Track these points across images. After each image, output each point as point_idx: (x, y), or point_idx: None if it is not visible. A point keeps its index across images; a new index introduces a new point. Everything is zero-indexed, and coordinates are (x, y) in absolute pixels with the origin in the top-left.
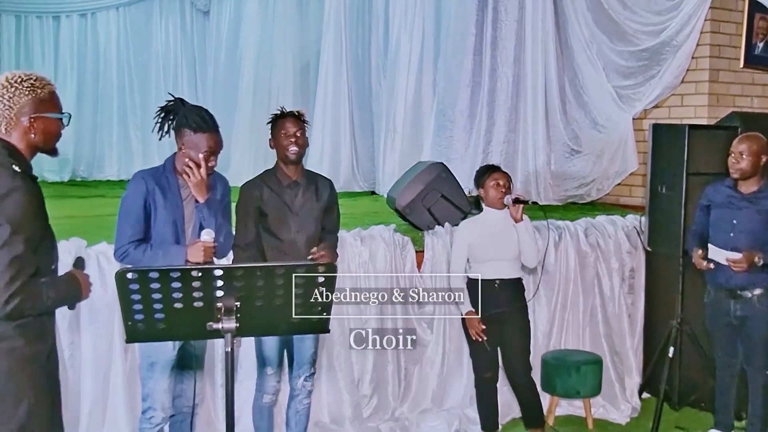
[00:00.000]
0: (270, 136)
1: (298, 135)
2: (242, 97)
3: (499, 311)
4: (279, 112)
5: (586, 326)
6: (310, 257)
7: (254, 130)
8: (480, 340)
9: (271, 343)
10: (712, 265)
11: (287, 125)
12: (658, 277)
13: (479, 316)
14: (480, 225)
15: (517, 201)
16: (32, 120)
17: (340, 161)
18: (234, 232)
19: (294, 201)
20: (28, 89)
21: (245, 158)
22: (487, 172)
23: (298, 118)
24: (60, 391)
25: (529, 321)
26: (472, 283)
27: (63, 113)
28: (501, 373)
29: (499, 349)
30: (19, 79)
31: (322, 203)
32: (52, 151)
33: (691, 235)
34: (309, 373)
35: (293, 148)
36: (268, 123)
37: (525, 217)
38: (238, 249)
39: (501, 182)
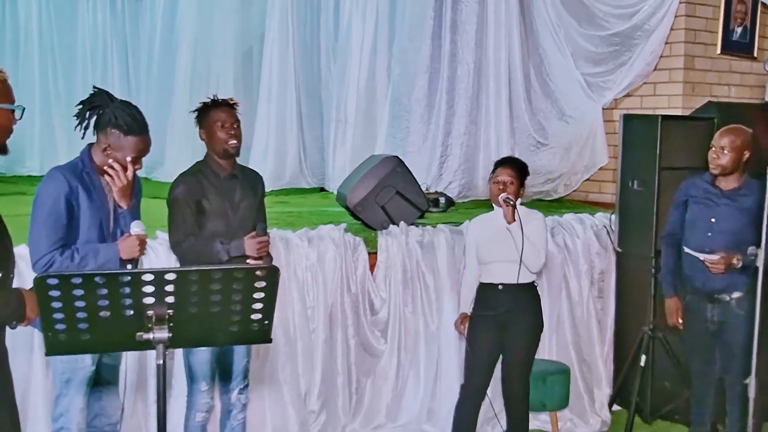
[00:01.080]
0: (199, 128)
1: (236, 126)
2: (179, 86)
3: (500, 316)
4: (210, 101)
5: (552, 333)
6: (257, 248)
7: (192, 121)
8: (462, 333)
9: (203, 355)
10: (680, 322)
11: (223, 116)
12: (629, 279)
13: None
14: (487, 224)
15: (506, 201)
16: None
17: (286, 154)
18: (169, 230)
19: (234, 195)
20: None
21: (183, 152)
22: (496, 166)
23: (233, 108)
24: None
25: (537, 331)
26: (482, 286)
27: (15, 105)
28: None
29: (502, 357)
30: None
31: (257, 198)
32: (2, 149)
33: (664, 243)
34: (243, 385)
35: (233, 142)
36: (193, 112)
37: (535, 217)
38: (178, 246)
39: (501, 178)
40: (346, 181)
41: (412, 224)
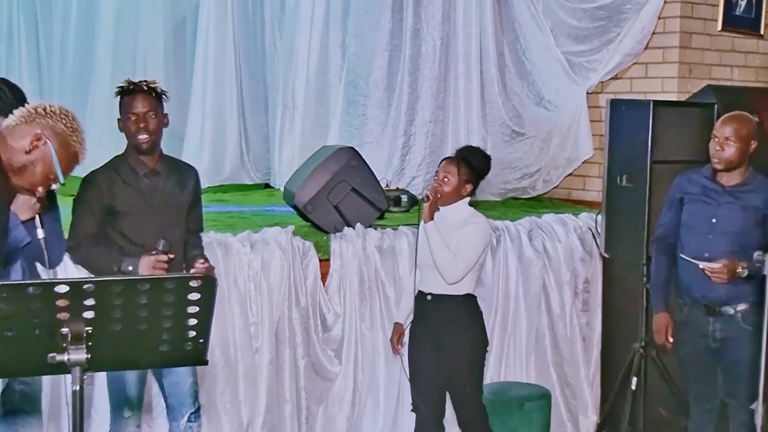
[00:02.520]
0: (119, 116)
1: (150, 118)
2: (99, 64)
3: (432, 331)
4: (124, 86)
5: (530, 353)
6: (193, 270)
7: (115, 105)
8: (397, 354)
9: (128, 378)
10: (669, 341)
11: (135, 104)
12: (617, 290)
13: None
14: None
15: (425, 197)
16: None
17: (224, 146)
18: (67, 233)
19: (154, 195)
20: None
21: (104, 141)
22: (442, 160)
23: (150, 94)
24: None
25: (478, 349)
26: (417, 295)
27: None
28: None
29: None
30: None
31: (187, 197)
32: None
33: (655, 247)
34: (193, 410)
35: (142, 136)
36: (117, 95)
37: (473, 221)
38: (72, 252)
39: (438, 174)
40: (294, 176)
41: (369, 226)
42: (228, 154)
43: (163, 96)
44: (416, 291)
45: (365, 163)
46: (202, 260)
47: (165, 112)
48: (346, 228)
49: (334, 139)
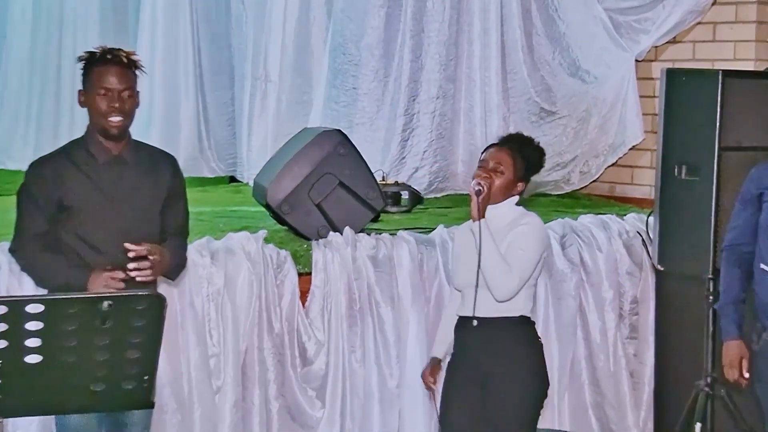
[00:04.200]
0: (81, 87)
1: (125, 97)
2: (14, 27)
3: (478, 366)
4: (97, 53)
5: (563, 391)
6: (131, 265)
7: (37, 79)
8: (430, 390)
9: (71, 421)
10: (745, 377)
11: (109, 78)
12: (675, 312)
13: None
14: (464, 230)
15: (475, 190)
16: None
17: (178, 129)
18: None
19: (117, 188)
20: None
21: (20, 125)
22: (488, 146)
23: (129, 68)
24: None
25: (533, 394)
26: (458, 322)
27: None
28: None
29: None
30: None
31: (161, 191)
32: None
33: (725, 258)
34: None
35: (116, 118)
36: (80, 62)
37: (526, 222)
38: (16, 256)
39: (486, 162)
40: (266, 167)
41: (362, 231)
42: (182, 140)
43: (140, 71)
44: (454, 319)
45: (356, 150)
46: (133, 247)
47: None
48: (331, 233)
49: (317, 120)
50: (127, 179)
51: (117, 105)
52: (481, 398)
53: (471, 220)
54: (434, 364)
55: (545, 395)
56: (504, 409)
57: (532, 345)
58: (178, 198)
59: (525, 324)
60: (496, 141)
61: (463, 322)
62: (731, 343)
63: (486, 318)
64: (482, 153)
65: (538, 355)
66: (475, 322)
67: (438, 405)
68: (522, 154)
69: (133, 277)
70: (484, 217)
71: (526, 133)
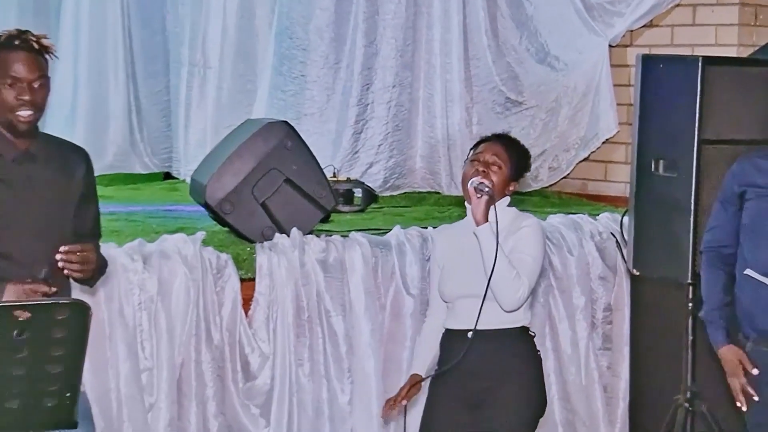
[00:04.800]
0: None
1: (36, 87)
2: None
3: (470, 384)
4: (1, 37)
5: None
6: (58, 259)
7: None
8: (390, 408)
9: None
10: (755, 398)
11: (16, 66)
12: (652, 320)
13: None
14: (454, 238)
15: (477, 189)
16: None
17: (107, 121)
18: None
19: (26, 187)
20: None
21: None
22: (480, 141)
23: (40, 54)
24: None
25: (533, 410)
26: (446, 336)
27: None
28: None
29: None
30: None
31: (74, 190)
32: None
33: (705, 260)
34: None
35: (26, 112)
36: None
37: (526, 224)
38: None
39: (484, 157)
40: (205, 162)
41: (311, 232)
42: (111, 133)
43: (51, 56)
44: (437, 333)
45: (304, 143)
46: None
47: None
48: (277, 235)
49: (262, 110)
50: (38, 177)
51: (27, 97)
52: (471, 419)
53: (469, 223)
54: (414, 382)
55: (543, 413)
56: (502, 427)
57: (533, 358)
58: (92, 197)
59: (525, 335)
60: (487, 137)
61: (454, 336)
62: (723, 350)
63: (484, 330)
64: (473, 148)
65: (538, 369)
66: (470, 334)
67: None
68: (516, 151)
69: (56, 292)
70: (488, 220)
71: (486, 125)
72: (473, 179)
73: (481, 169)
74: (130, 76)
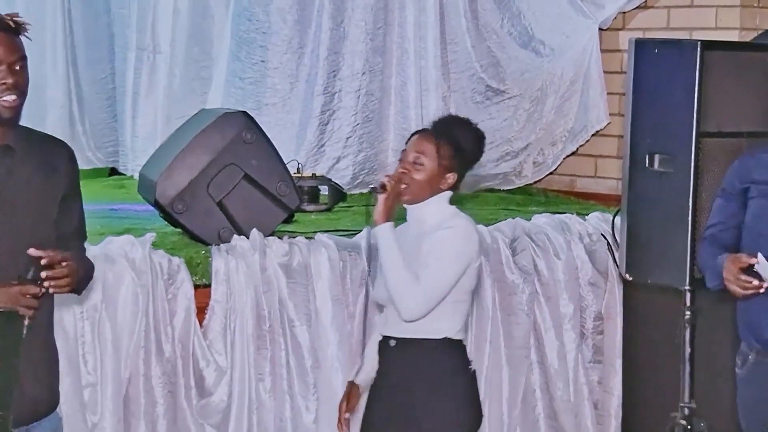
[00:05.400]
0: None
1: (16, 70)
2: None
3: (397, 395)
4: None
5: (515, 426)
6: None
7: None
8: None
9: None
10: (752, 283)
11: None
12: (647, 330)
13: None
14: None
15: (374, 190)
16: None
17: (44, 111)
18: None
19: (6, 184)
20: None
21: None
22: (412, 135)
23: (16, 34)
24: None
25: (463, 424)
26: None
27: None
28: None
29: None
30: None
31: (57, 187)
32: None
33: (706, 244)
34: None
35: (9, 97)
36: None
37: (449, 225)
38: None
39: (407, 155)
40: (155, 157)
41: (272, 234)
42: (49, 124)
43: (27, 37)
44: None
45: (265, 136)
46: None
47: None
48: (235, 237)
49: (218, 100)
50: (18, 173)
51: (10, 81)
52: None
53: (407, 225)
54: (349, 390)
55: (476, 429)
56: None
57: (457, 372)
58: (76, 195)
59: (449, 347)
60: (415, 131)
61: (383, 343)
62: (723, 258)
63: (405, 339)
64: (412, 138)
65: (465, 384)
66: (392, 343)
67: None
68: (450, 139)
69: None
70: (390, 220)
71: (466, 115)
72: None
73: (401, 170)
74: (70, 62)
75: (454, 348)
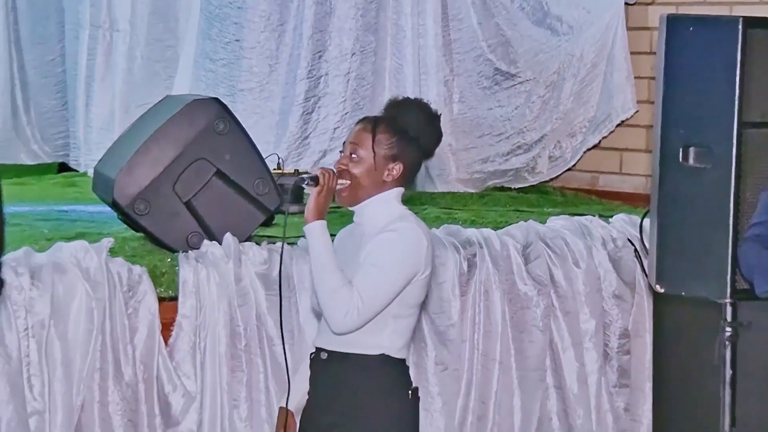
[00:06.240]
0: None
1: None
2: None
3: (326, 419)
4: None
5: None
6: None
7: None
8: None
9: None
10: None
11: None
12: (680, 350)
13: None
14: (342, 237)
15: (304, 181)
16: None
17: None
18: None
19: None
20: None
21: None
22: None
23: None
24: None
25: None
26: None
27: None
28: None
29: None
30: None
31: None
32: None
33: (751, 245)
34: None
35: None
36: None
37: (391, 228)
38: None
39: (345, 151)
40: (113, 151)
41: (249, 239)
42: None
43: None
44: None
45: (240, 126)
46: None
47: None
48: (205, 242)
49: (185, 85)
50: None
51: None
52: None
53: (353, 225)
54: (284, 419)
55: None
56: None
57: (393, 393)
58: None
59: (387, 366)
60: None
61: (315, 355)
62: None
63: (338, 352)
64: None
65: (402, 409)
66: (324, 355)
67: None
68: (390, 123)
69: None
70: (322, 218)
71: (470, 103)
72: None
73: (338, 165)
74: (12, 42)
75: (393, 366)
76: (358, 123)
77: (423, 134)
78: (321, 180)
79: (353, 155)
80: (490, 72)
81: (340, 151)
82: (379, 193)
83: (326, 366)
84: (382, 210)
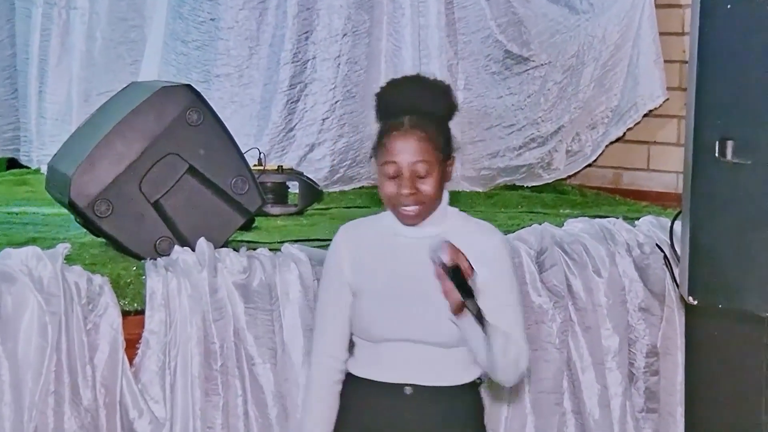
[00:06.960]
0: None
1: None
2: None
3: None
4: None
5: None
6: None
7: None
8: None
9: None
10: None
11: None
12: (716, 369)
13: None
14: (375, 242)
15: (441, 265)
16: None
17: None
18: None
19: None
20: None
21: None
22: (386, 116)
23: None
24: None
25: None
26: (354, 384)
27: None
28: None
29: None
30: None
31: None
32: None
33: None
34: None
35: None
36: None
37: (490, 240)
38: None
39: (399, 159)
40: (70, 145)
41: (225, 245)
42: None
43: None
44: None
45: (216, 117)
46: None
47: None
48: (176, 248)
49: (153, 70)
50: None
51: None
52: None
53: (391, 227)
54: None
55: None
56: None
57: (479, 417)
58: None
59: (473, 391)
60: (393, 120)
61: (375, 390)
62: None
63: (423, 387)
64: (379, 138)
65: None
66: (408, 391)
67: None
68: (429, 121)
69: None
70: (466, 307)
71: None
72: (406, 206)
73: (406, 192)
74: None
75: (475, 391)
76: (398, 132)
77: (447, 109)
78: (452, 264)
79: (421, 175)
80: (499, 55)
81: (384, 163)
82: (439, 201)
83: (410, 402)
84: (448, 218)
